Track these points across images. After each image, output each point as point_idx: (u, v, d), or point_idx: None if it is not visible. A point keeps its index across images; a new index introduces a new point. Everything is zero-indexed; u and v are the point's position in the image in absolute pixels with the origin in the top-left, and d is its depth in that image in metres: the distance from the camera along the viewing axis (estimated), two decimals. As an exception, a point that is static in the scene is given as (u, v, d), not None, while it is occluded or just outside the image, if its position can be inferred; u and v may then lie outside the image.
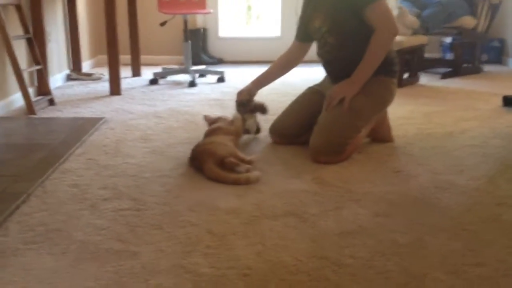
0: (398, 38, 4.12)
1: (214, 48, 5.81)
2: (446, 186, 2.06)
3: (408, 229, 1.69)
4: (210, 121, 2.60)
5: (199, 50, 5.53)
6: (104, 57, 4.08)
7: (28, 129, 2.98)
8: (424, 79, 4.62)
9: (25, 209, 1.83)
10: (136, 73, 4.83)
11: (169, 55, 5.66)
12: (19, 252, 1.53)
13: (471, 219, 1.77)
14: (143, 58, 5.00)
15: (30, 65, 3.62)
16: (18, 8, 3.40)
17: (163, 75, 4.59)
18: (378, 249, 1.55)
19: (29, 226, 1.70)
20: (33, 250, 1.54)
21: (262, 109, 2.73)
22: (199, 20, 5.68)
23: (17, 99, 3.41)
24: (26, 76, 3.40)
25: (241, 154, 2.25)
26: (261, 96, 2.77)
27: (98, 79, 4.58)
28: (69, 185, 2.07)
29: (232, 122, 2.57)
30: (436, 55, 5.70)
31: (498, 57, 5.56)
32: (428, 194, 2.00)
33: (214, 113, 2.73)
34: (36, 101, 3.40)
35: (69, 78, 4.55)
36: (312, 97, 2.64)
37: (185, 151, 2.45)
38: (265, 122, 2.78)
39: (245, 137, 2.69)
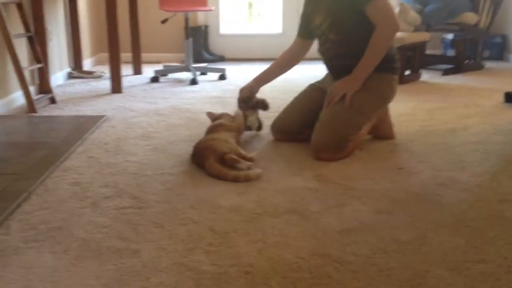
0: (400, 34, 4.11)
1: (215, 45, 5.80)
2: (448, 183, 2.06)
3: (410, 226, 1.68)
4: (213, 117, 2.61)
5: (200, 47, 5.52)
6: (105, 55, 4.09)
7: (29, 127, 2.98)
8: (426, 75, 4.61)
9: (26, 207, 1.83)
10: (137, 71, 4.83)
11: (170, 52, 5.65)
12: (20, 251, 1.53)
13: (473, 216, 1.76)
14: (144, 56, 4.99)
15: (31, 63, 3.62)
16: (19, 6, 3.40)
17: (164, 72, 4.59)
18: (380, 246, 1.55)
19: (30, 225, 1.70)
20: (34, 249, 1.54)
21: (263, 105, 2.74)
22: (200, 17, 5.67)
23: (18, 98, 3.41)
24: (27, 74, 3.40)
25: (243, 151, 2.25)
26: (262, 93, 2.76)
27: (99, 77, 4.58)
28: (70, 183, 2.07)
29: (234, 118, 2.57)
30: (437, 51, 5.68)
31: (500, 54, 5.54)
32: (430, 191, 1.99)
33: (216, 110, 2.72)
34: (37, 99, 3.39)
35: (70, 76, 4.54)
36: (314, 94, 2.64)
37: (187, 149, 2.44)
38: (267, 119, 2.78)
39: (247, 133, 2.69)
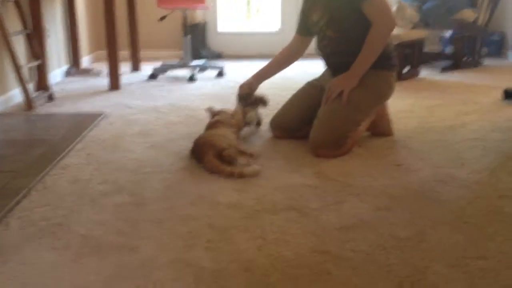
0: (398, 32, 4.11)
1: (213, 42, 5.79)
2: (447, 180, 2.06)
3: (409, 223, 1.69)
4: (213, 113, 2.61)
5: (198, 44, 5.51)
6: (103, 52, 4.07)
7: (28, 124, 2.98)
8: (424, 72, 4.61)
9: (26, 204, 1.83)
10: (135, 68, 4.82)
11: (169, 50, 5.64)
12: (19, 247, 1.53)
13: (473, 212, 1.76)
14: (142, 53, 4.98)
15: (29, 61, 3.60)
16: (17, 3, 3.39)
17: (162, 70, 4.58)
18: (379, 242, 1.55)
19: (30, 221, 1.69)
20: (33, 245, 1.54)
21: (263, 101, 2.75)
22: (199, 14, 5.66)
23: (16, 95, 3.40)
24: (25, 71, 3.39)
25: (243, 147, 2.26)
26: (261, 90, 2.76)
27: (97, 74, 4.57)
28: (69, 180, 2.07)
29: (233, 115, 2.58)
30: (436, 48, 5.68)
31: (498, 51, 5.54)
32: (428, 187, 1.99)
33: (215, 107, 2.73)
34: (35, 96, 3.39)
35: (68, 73, 4.53)
36: (312, 91, 2.64)
37: (185, 146, 2.44)
38: (265, 116, 2.78)
39: (246, 130, 2.69)
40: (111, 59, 3.87)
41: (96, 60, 5.37)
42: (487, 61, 5.15)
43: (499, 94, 3.56)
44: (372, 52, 2.39)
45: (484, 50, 5.31)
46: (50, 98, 3.56)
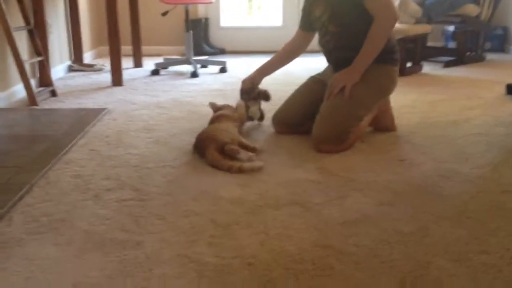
0: (401, 26, 4.10)
1: (215, 38, 5.78)
2: (450, 175, 2.06)
3: (412, 218, 1.68)
4: (215, 108, 2.62)
5: (200, 40, 5.51)
6: (106, 48, 4.08)
7: (30, 120, 2.98)
8: (427, 67, 4.60)
9: (29, 199, 1.83)
10: (137, 63, 4.82)
11: (171, 45, 5.63)
12: (23, 243, 1.53)
13: (475, 207, 1.76)
14: (145, 48, 4.98)
15: (31, 57, 3.61)
16: (19, -1, 3.39)
17: (164, 65, 4.58)
18: (382, 237, 1.55)
19: (33, 217, 1.70)
20: (37, 241, 1.55)
21: (265, 96, 2.75)
22: (201, 10, 5.66)
23: (18, 91, 3.40)
24: (27, 67, 3.40)
25: (245, 141, 2.26)
26: (263, 86, 2.76)
27: (100, 70, 4.57)
28: (72, 175, 2.07)
29: (236, 109, 2.58)
30: (439, 43, 5.67)
31: (501, 45, 5.52)
32: (431, 182, 1.99)
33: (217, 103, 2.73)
34: (38, 92, 3.39)
35: (70, 69, 4.54)
36: (314, 86, 2.64)
37: (188, 141, 2.44)
38: (268, 111, 2.78)
39: (249, 125, 2.69)
40: (114, 55, 3.87)
41: (98, 56, 5.37)
42: (490, 56, 5.14)
43: (502, 88, 3.56)
44: (374, 47, 2.38)
45: (487, 44, 5.30)
46: (53, 93, 3.56)
